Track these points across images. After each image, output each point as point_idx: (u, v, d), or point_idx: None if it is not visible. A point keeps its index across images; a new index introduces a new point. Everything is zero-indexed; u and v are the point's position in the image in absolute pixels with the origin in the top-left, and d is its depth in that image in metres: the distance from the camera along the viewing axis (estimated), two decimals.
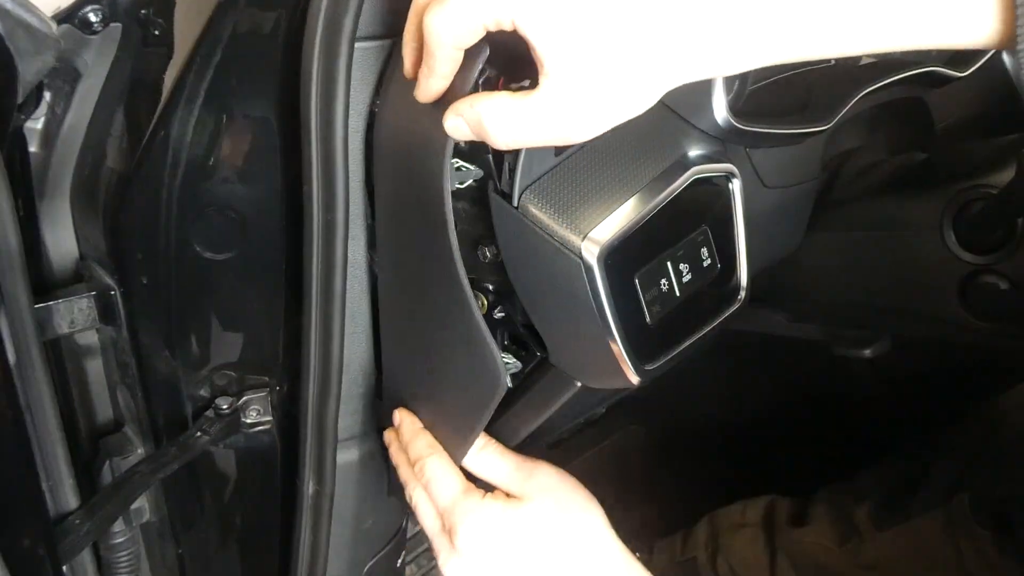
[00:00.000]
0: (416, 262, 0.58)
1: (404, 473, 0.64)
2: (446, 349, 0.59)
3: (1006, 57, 0.84)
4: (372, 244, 0.62)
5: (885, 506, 0.89)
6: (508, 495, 0.61)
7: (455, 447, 0.63)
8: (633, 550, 0.61)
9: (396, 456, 0.66)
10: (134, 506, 0.73)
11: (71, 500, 0.63)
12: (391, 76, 0.55)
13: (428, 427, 0.65)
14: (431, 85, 0.46)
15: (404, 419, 0.65)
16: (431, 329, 0.60)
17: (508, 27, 0.40)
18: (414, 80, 0.48)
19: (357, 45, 0.54)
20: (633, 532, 1.20)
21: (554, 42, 0.39)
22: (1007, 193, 0.67)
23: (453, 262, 0.53)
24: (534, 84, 0.41)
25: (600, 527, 0.61)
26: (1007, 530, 0.74)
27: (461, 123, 0.45)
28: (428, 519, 0.62)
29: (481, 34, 0.41)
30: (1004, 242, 0.70)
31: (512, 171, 0.50)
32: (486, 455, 0.62)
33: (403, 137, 0.54)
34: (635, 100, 0.41)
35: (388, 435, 0.67)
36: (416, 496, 0.63)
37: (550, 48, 0.39)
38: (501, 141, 0.43)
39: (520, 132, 0.42)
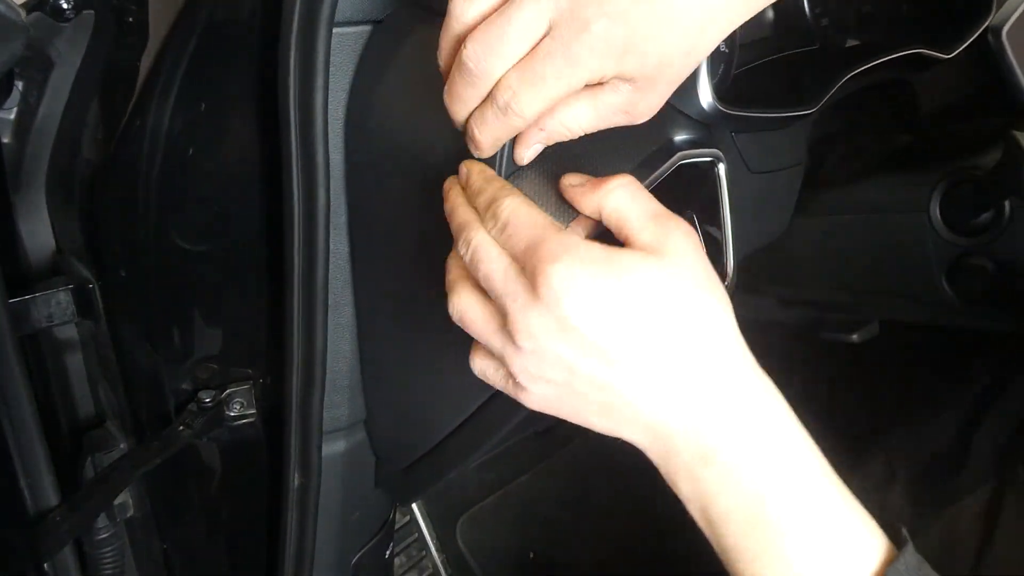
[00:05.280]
0: (415, 241, 0.57)
1: (463, 216, 0.47)
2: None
3: (991, 38, 0.84)
4: (354, 232, 0.61)
5: (921, 484, 0.87)
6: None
7: (452, 418, 0.62)
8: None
9: (455, 201, 0.49)
10: (117, 501, 0.72)
11: (51, 497, 0.63)
12: (387, 61, 0.54)
13: (420, 405, 0.62)
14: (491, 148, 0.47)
15: (472, 167, 0.49)
16: (434, 304, 0.59)
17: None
18: (422, 64, 0.48)
19: (335, 31, 0.54)
20: (623, 519, 1.21)
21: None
22: (993, 175, 0.66)
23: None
24: None
25: (730, 327, 0.45)
26: None
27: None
28: (495, 267, 0.44)
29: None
30: (991, 224, 0.70)
31: (500, 158, 0.50)
32: (624, 191, 0.46)
33: (408, 120, 0.53)
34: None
35: (448, 183, 0.51)
36: (477, 241, 0.45)
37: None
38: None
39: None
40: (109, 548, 0.73)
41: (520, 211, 0.45)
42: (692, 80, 0.57)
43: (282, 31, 0.53)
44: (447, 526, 1.19)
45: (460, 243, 0.46)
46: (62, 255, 0.69)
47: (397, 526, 1.08)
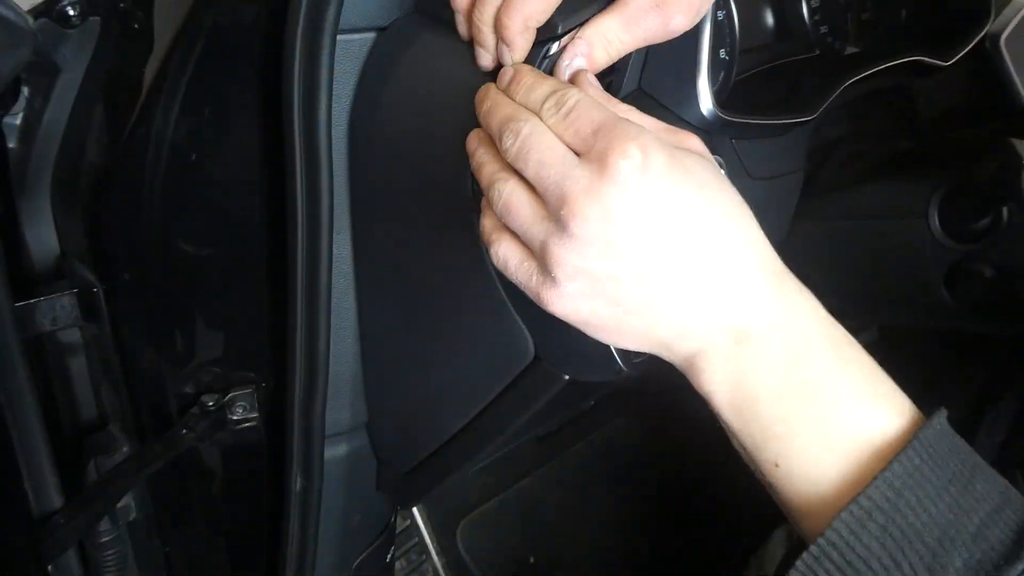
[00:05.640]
0: (418, 246, 0.57)
1: (507, 110, 0.45)
2: (460, 325, 0.59)
3: (989, 45, 0.84)
4: (357, 236, 0.62)
5: None
6: None
7: (454, 422, 0.62)
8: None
9: (495, 99, 0.46)
10: (120, 504, 0.73)
11: (55, 499, 0.63)
12: (391, 68, 0.54)
13: (422, 408, 0.62)
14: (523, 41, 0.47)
15: (521, 67, 0.47)
16: (439, 308, 0.59)
17: None
18: (426, 71, 0.49)
19: (339, 38, 0.54)
20: (624, 524, 1.21)
21: None
22: (991, 182, 0.67)
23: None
24: None
25: (759, 229, 0.46)
26: None
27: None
28: (553, 152, 0.42)
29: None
30: (989, 230, 0.70)
31: None
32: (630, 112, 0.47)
33: (412, 126, 0.53)
34: None
35: (482, 91, 0.48)
36: (530, 128, 0.43)
37: None
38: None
39: None
40: (112, 551, 0.74)
41: (588, 99, 0.43)
42: (692, 87, 0.57)
43: (286, 38, 0.53)
44: (448, 530, 1.19)
45: (507, 135, 0.44)
46: (66, 259, 0.70)
47: (398, 530, 1.08)
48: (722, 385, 0.44)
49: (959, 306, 0.75)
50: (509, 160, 0.44)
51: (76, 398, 0.73)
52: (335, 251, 0.60)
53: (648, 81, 0.60)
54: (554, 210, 0.42)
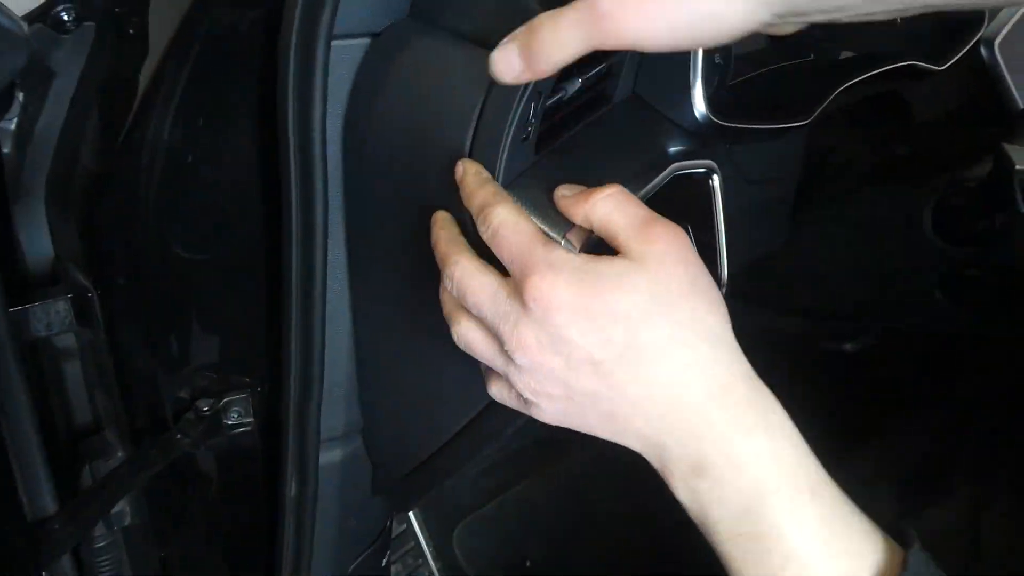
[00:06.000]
0: (412, 251, 0.57)
1: (443, 249, 0.49)
2: None
3: (983, 50, 0.85)
4: (351, 241, 0.62)
5: (908, 487, 0.87)
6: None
7: (449, 426, 0.63)
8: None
9: (436, 232, 0.50)
10: (115, 509, 0.72)
11: (50, 504, 0.63)
12: (386, 73, 0.54)
13: (417, 412, 0.62)
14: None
15: (468, 167, 0.49)
16: (434, 313, 0.59)
17: None
18: (421, 76, 0.50)
19: (334, 43, 0.54)
20: (622, 527, 1.21)
21: None
22: (984, 187, 0.67)
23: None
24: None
25: (722, 331, 0.44)
26: None
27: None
28: (482, 296, 0.45)
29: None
30: (983, 235, 0.71)
31: (498, 164, 0.50)
32: (611, 200, 0.45)
33: (406, 131, 0.54)
34: None
35: (435, 216, 0.52)
36: (460, 273, 0.46)
37: None
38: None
39: None
40: (107, 556, 0.74)
41: (510, 219, 0.45)
42: (686, 91, 0.58)
43: (280, 43, 0.53)
44: (444, 534, 1.19)
45: (444, 278, 0.48)
46: (61, 264, 0.69)
47: (394, 534, 1.08)
48: (686, 503, 0.44)
49: (955, 310, 0.75)
50: (454, 298, 0.48)
51: (71, 403, 0.73)
52: (330, 257, 0.60)
53: (643, 86, 0.60)
54: (500, 344, 0.45)
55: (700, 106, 0.58)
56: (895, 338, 0.91)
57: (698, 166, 0.58)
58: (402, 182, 0.57)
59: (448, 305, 0.49)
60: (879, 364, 0.78)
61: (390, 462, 0.72)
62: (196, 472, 0.74)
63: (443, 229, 0.50)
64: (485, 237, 0.46)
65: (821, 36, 0.80)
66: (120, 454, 0.72)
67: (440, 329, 0.57)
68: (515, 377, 0.46)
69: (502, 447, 0.67)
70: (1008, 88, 0.85)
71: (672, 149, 0.57)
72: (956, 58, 0.76)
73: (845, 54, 0.81)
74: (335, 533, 0.74)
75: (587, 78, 0.55)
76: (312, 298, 0.60)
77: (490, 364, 0.48)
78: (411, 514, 1.19)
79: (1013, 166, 0.61)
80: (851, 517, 0.43)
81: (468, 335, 0.48)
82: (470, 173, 0.49)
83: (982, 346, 0.78)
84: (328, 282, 0.61)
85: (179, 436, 0.67)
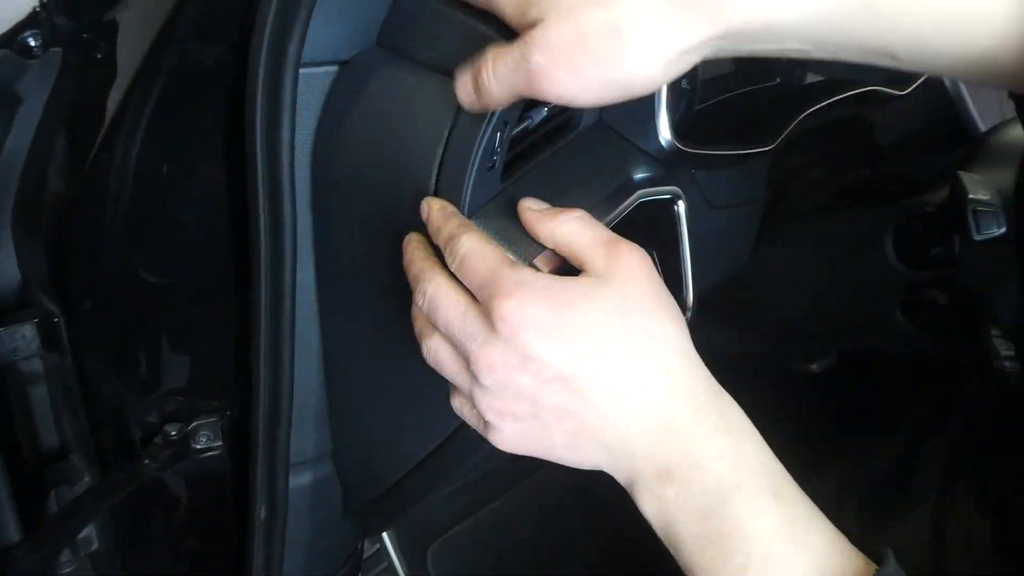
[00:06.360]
0: (381, 275, 0.58)
1: (417, 267, 0.49)
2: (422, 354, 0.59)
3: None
4: (320, 266, 0.62)
5: (871, 501, 0.87)
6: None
7: (419, 449, 0.63)
8: None
9: (411, 253, 0.51)
10: (81, 535, 0.72)
11: (13, 533, 0.62)
12: (354, 100, 0.55)
13: (387, 436, 0.62)
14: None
15: (433, 204, 0.50)
16: (401, 337, 0.59)
17: None
18: (389, 104, 0.51)
19: (303, 71, 0.54)
20: (598, 543, 1.21)
21: None
22: (942, 211, 0.68)
23: None
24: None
25: (685, 346, 0.46)
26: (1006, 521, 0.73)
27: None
28: (452, 313, 0.46)
29: None
30: (942, 258, 0.72)
31: (464, 195, 0.51)
32: (575, 222, 0.47)
33: (374, 158, 0.54)
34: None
35: (407, 238, 0.52)
36: (433, 290, 0.47)
37: None
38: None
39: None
40: None
41: (475, 247, 0.46)
42: (651, 118, 0.59)
43: (249, 70, 0.54)
44: (418, 554, 1.19)
45: (416, 294, 0.48)
46: (28, 288, 0.69)
47: (367, 554, 1.08)
48: (653, 517, 0.44)
49: (916, 331, 0.76)
50: (425, 315, 0.48)
51: (37, 428, 0.72)
52: (299, 280, 0.60)
53: (609, 113, 0.61)
54: (465, 364, 0.46)
55: (665, 133, 0.58)
56: (859, 359, 0.92)
57: (663, 192, 0.59)
58: (370, 208, 0.57)
59: (419, 322, 0.50)
60: (844, 385, 0.79)
61: (360, 485, 0.72)
62: (165, 496, 0.73)
63: (417, 249, 0.51)
64: (453, 267, 0.47)
65: (788, 61, 0.82)
66: (87, 479, 0.71)
67: (408, 354, 0.58)
68: (479, 397, 0.46)
69: (473, 470, 0.67)
70: (969, 112, 0.87)
71: (637, 176, 0.58)
72: (918, 83, 0.78)
73: (812, 78, 0.82)
74: (305, 556, 0.74)
75: (553, 106, 0.55)
76: (281, 321, 0.60)
77: (456, 383, 0.48)
78: (384, 534, 1.19)
79: (967, 194, 0.62)
80: (815, 520, 0.43)
81: (438, 352, 0.48)
82: (435, 209, 0.50)
83: (943, 367, 0.80)
84: (297, 305, 0.61)
85: (147, 461, 0.66)
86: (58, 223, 0.65)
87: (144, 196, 0.61)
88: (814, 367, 0.88)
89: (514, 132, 0.52)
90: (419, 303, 0.48)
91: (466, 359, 0.45)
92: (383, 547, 1.17)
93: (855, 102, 0.73)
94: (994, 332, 0.65)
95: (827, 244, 0.80)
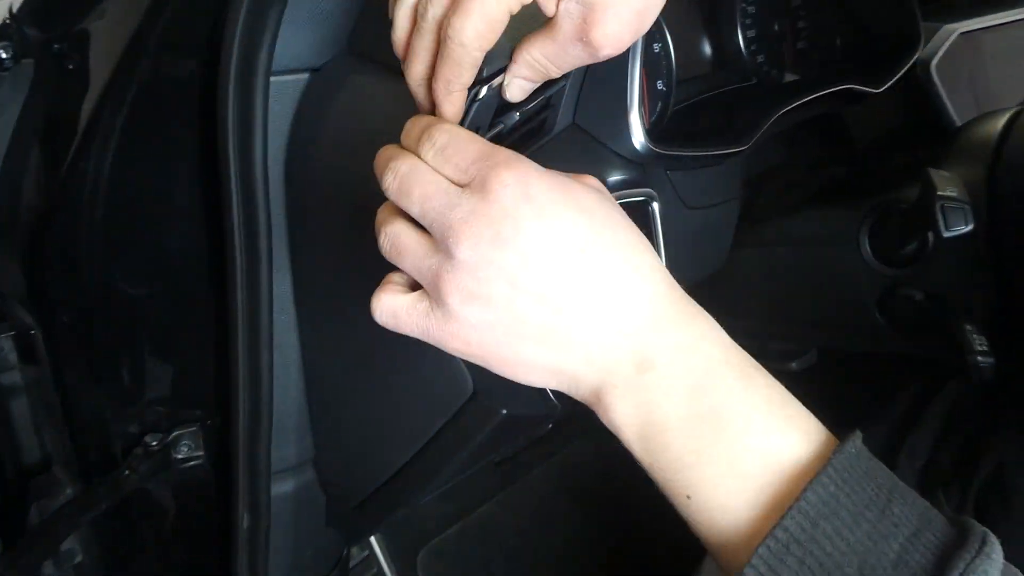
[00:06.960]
0: (356, 281, 0.58)
1: (388, 152, 0.45)
2: (400, 361, 0.59)
3: (920, 72, 0.87)
4: (297, 274, 0.62)
5: None
6: None
7: (399, 455, 0.62)
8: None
9: (387, 151, 0.46)
10: (64, 547, 0.71)
11: None
12: (325, 107, 0.55)
13: (367, 442, 0.62)
14: (450, 103, 0.45)
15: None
16: (379, 345, 0.59)
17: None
18: (359, 110, 0.49)
19: (275, 79, 0.55)
20: (585, 547, 1.21)
21: None
22: (915, 209, 0.69)
23: None
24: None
25: (656, 256, 0.45)
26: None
27: None
28: (432, 186, 0.42)
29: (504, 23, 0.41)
30: (917, 256, 0.72)
31: None
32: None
33: (346, 163, 0.54)
34: None
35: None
36: (408, 166, 0.43)
37: None
38: None
39: None
40: None
41: (460, 133, 0.43)
42: (624, 121, 0.59)
43: (220, 79, 0.54)
44: (407, 559, 1.19)
45: (387, 175, 0.43)
46: (5, 301, 0.69)
47: (356, 561, 1.08)
48: (629, 417, 0.43)
49: (892, 329, 0.76)
50: (392, 198, 0.44)
51: (18, 441, 0.72)
52: (276, 288, 0.60)
53: (582, 116, 0.61)
54: (441, 240, 0.42)
55: (638, 135, 0.58)
56: (840, 356, 0.92)
57: (637, 195, 0.59)
58: (343, 213, 0.57)
59: (383, 212, 0.45)
60: (825, 383, 0.79)
61: (342, 492, 0.72)
62: (148, 506, 0.73)
63: (421, 118, 0.46)
64: (430, 156, 0.43)
65: (763, 61, 0.82)
66: (69, 491, 0.71)
67: (387, 361, 0.58)
68: (446, 279, 0.41)
69: (456, 474, 0.67)
70: (945, 108, 0.88)
71: (611, 178, 0.58)
72: (893, 80, 0.78)
73: (789, 77, 0.83)
74: (290, 563, 0.74)
75: (525, 111, 0.55)
76: (258, 329, 0.60)
77: (414, 269, 0.43)
78: (373, 540, 1.18)
79: (935, 191, 0.63)
80: (790, 401, 0.43)
81: (398, 236, 0.44)
82: (408, 120, 0.46)
83: (922, 363, 0.80)
84: (276, 313, 0.61)
85: (128, 472, 0.66)
86: (33, 235, 0.65)
87: (119, 206, 0.61)
88: (794, 365, 0.88)
89: (487, 136, 0.52)
90: (387, 181, 0.44)
91: (443, 235, 0.41)
92: (372, 553, 1.17)
93: (831, 100, 0.73)
94: (968, 327, 0.66)
95: (804, 243, 0.80)
